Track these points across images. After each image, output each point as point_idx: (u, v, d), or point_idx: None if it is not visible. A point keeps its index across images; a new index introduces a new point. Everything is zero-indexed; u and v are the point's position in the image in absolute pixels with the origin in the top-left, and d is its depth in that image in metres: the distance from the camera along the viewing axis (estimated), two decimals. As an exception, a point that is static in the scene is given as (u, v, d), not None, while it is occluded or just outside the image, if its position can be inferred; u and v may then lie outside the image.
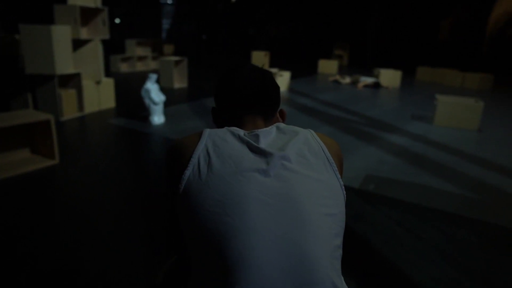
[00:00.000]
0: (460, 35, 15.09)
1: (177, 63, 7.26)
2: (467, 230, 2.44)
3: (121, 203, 2.58)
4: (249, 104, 1.00)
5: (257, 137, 0.89)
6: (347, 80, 9.22)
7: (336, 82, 9.41)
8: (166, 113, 4.91)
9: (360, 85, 8.65)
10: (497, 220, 2.60)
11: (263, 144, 0.88)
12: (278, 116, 1.09)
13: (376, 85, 8.71)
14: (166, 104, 5.18)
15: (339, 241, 0.80)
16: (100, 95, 5.15)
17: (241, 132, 0.91)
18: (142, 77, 8.75)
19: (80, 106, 4.83)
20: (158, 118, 4.63)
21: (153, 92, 4.49)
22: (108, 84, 5.27)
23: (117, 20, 15.50)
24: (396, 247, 2.19)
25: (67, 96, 4.62)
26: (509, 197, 2.99)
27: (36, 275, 1.80)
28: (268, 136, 0.91)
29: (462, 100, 5.29)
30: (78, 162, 3.30)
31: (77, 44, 4.92)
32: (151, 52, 10.17)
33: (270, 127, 0.96)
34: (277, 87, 1.07)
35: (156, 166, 3.41)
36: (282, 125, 0.97)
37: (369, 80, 8.82)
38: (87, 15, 4.98)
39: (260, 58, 10.55)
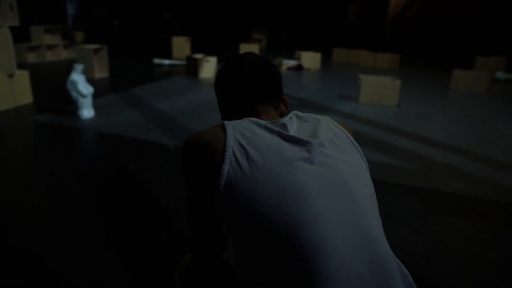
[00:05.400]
0: (366, 18, 16.23)
1: (96, 51, 6.76)
2: (410, 197, 2.70)
3: (69, 204, 2.39)
4: (262, 93, 1.00)
5: (284, 126, 0.90)
6: (271, 63, 9.41)
7: (260, 66, 9.55)
8: (94, 105, 4.58)
9: (284, 67, 8.89)
10: (431, 185, 2.92)
11: (292, 133, 0.88)
12: (282, 104, 1.10)
13: (299, 67, 9.03)
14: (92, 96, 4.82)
15: (380, 218, 0.85)
16: (14, 90, 4.61)
17: (262, 122, 0.90)
18: (55, 68, 8.00)
19: (-8, 103, 4.29)
20: (87, 112, 4.30)
21: (80, 83, 4.15)
22: (23, 76, 4.73)
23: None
24: (356, 220, 2.35)
25: (-24, 92, 4.06)
26: (435, 164, 3.36)
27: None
28: (293, 125, 0.92)
29: (382, 79, 5.75)
30: (5, 166, 2.96)
31: (-19, 32, 4.32)
32: (61, 40, 9.30)
33: (289, 116, 0.97)
34: (281, 76, 1.07)
35: (95, 162, 3.19)
36: (299, 113, 0.98)
37: (292, 62, 9.10)
38: (-10, -1, 4.38)
39: (181, 44, 10.26)
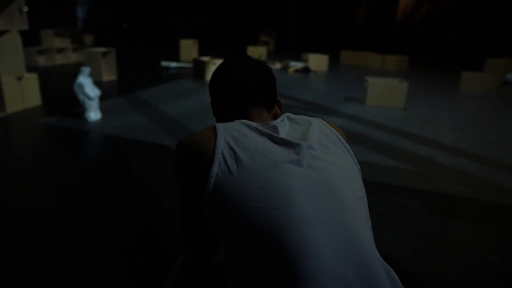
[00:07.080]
0: (374, 21, 16.15)
1: (104, 54, 6.84)
2: (414, 200, 2.68)
3: (72, 205, 2.42)
4: (255, 96, 1.00)
5: (275, 128, 0.90)
6: (278, 65, 9.42)
7: (267, 68, 9.56)
8: (101, 108, 4.63)
9: (291, 70, 8.90)
10: (436, 188, 2.89)
11: (282, 135, 0.88)
12: (276, 106, 1.10)
13: (306, 70, 9.02)
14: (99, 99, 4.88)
15: (370, 221, 0.85)
16: (23, 92, 4.68)
17: (253, 124, 0.91)
18: (64, 71, 8.12)
19: (1, 106, 4.36)
20: (94, 114, 4.35)
21: (87, 86, 4.20)
22: (32, 79, 4.81)
23: (25, 8, 14.06)
24: (358, 222, 2.34)
25: (-15, 95, 4.14)
26: (440, 167, 3.33)
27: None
28: (284, 127, 0.92)
29: (389, 81, 5.72)
30: (13, 167, 3.00)
31: (-9, 36, 4.41)
32: (70, 44, 9.43)
33: (280, 118, 0.97)
34: (275, 78, 1.08)
35: (100, 163, 3.23)
36: (291, 115, 0.99)
37: (299, 65, 9.10)
38: None
39: (189, 47, 10.32)
